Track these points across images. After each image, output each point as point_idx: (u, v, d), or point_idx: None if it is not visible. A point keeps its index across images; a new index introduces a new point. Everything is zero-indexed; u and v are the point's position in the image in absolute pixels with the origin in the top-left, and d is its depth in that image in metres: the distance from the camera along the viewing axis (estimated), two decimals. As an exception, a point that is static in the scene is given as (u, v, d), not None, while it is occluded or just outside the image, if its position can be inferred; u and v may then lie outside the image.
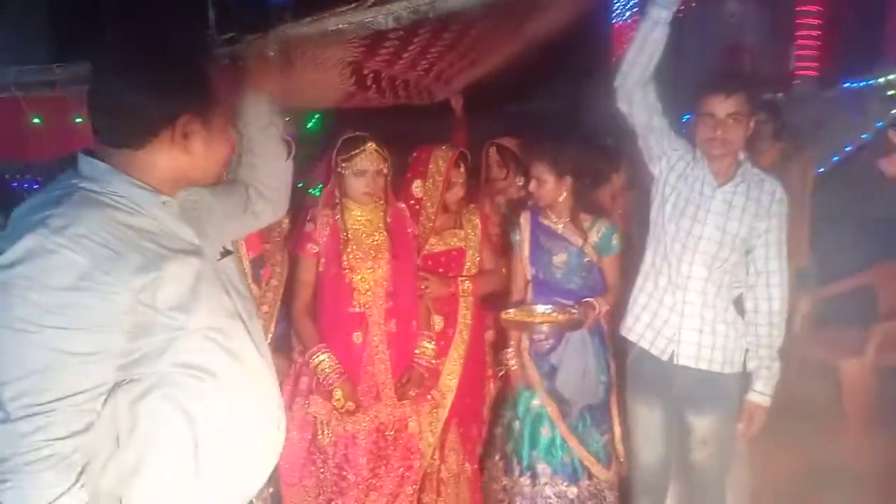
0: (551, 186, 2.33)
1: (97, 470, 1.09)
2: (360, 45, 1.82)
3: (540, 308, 2.36)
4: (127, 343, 1.06)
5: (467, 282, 2.45)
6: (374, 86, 2.55)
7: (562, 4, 2.18)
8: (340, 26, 1.41)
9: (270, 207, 1.59)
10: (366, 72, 2.52)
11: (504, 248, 2.64)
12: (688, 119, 2.19)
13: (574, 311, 2.28)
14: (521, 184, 2.70)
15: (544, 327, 2.29)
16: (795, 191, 3.58)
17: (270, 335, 2.25)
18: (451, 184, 2.46)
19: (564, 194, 2.36)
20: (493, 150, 2.78)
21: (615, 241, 2.39)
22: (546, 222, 2.43)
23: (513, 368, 2.45)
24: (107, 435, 1.09)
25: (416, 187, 2.47)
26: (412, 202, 2.46)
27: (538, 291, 2.43)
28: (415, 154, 2.53)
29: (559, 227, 2.42)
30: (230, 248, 1.34)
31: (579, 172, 2.34)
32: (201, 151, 1.17)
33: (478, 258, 2.54)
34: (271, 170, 1.56)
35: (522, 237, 2.46)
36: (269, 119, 1.52)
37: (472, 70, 2.97)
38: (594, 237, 2.38)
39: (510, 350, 2.46)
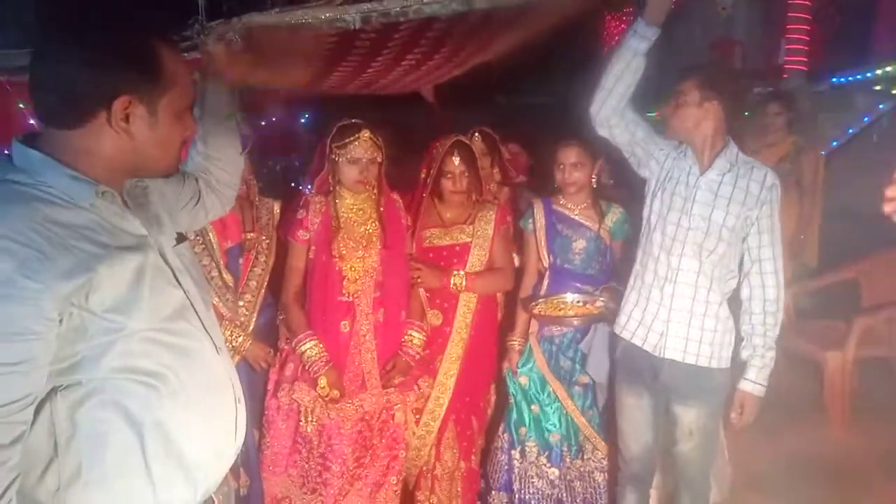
0: (587, 171, 2.37)
1: (34, 480, 1.03)
2: (332, 38, 1.80)
3: (569, 297, 2.36)
4: (60, 349, 0.99)
5: (460, 276, 2.41)
6: (345, 75, 2.52)
7: (539, 15, 2.13)
8: (306, 20, 1.38)
9: (219, 202, 1.52)
10: (338, 62, 2.49)
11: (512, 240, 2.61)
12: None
13: (601, 298, 2.30)
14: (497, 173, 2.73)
15: (576, 321, 2.29)
16: (807, 185, 3.60)
17: (252, 323, 2.26)
18: (444, 172, 2.42)
19: (595, 178, 2.40)
20: (476, 138, 2.77)
21: (628, 227, 2.43)
22: (560, 209, 2.45)
23: (515, 349, 2.46)
24: (45, 443, 1.03)
25: (423, 177, 2.48)
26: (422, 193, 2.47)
27: (556, 279, 2.44)
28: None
29: (575, 214, 2.45)
30: (184, 233, 1.29)
31: (606, 157, 2.38)
32: (145, 136, 1.08)
33: (485, 256, 2.46)
34: (224, 163, 1.50)
35: (537, 225, 2.46)
36: (227, 111, 1.47)
37: (453, 68, 2.94)
38: (609, 222, 2.43)
39: (514, 333, 2.48)
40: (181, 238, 1.24)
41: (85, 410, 1.04)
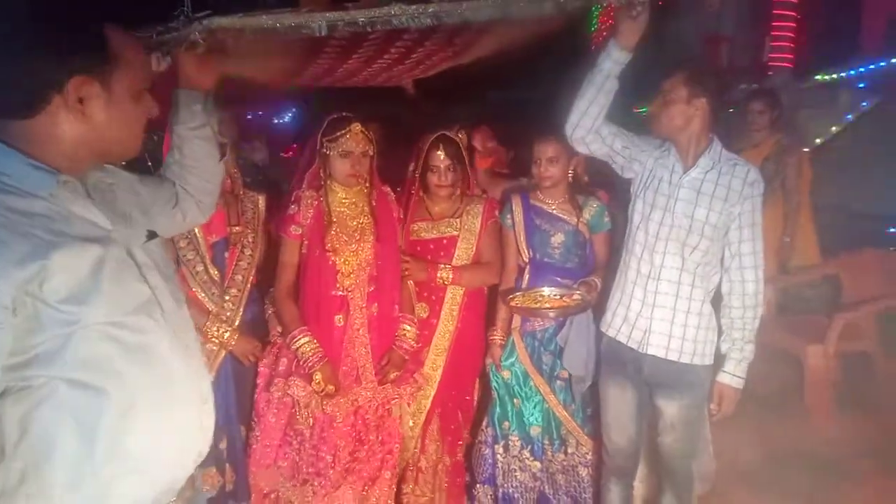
0: (563, 166, 2.38)
1: None
2: (299, 43, 1.77)
3: (546, 291, 2.36)
4: (16, 341, 0.97)
5: (447, 270, 2.43)
6: (318, 73, 2.51)
7: (514, 27, 2.10)
8: (270, 25, 1.36)
9: (197, 209, 1.49)
10: (309, 62, 2.46)
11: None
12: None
13: (578, 291, 2.31)
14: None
15: (551, 313, 2.30)
16: (791, 184, 3.61)
17: (239, 318, 2.26)
18: (429, 166, 2.43)
19: (571, 173, 2.41)
20: (461, 133, 2.76)
21: (606, 219, 2.45)
22: (538, 204, 2.47)
23: (497, 343, 2.48)
24: None
25: (411, 171, 2.49)
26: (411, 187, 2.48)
27: (536, 273, 2.45)
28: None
29: (553, 208, 2.46)
30: (155, 230, 1.28)
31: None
32: (103, 118, 1.06)
33: (472, 250, 2.48)
34: (201, 170, 1.46)
35: (516, 220, 2.47)
36: (202, 118, 1.42)
37: (428, 69, 2.92)
38: (587, 215, 2.44)
39: (496, 328, 2.49)
40: (152, 235, 1.23)
41: (35, 413, 1.01)
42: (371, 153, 2.20)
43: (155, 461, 1.13)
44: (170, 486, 1.20)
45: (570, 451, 2.46)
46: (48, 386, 1.01)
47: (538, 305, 2.33)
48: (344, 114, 2.20)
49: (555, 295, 2.35)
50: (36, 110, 1.03)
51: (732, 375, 2.03)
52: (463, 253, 2.47)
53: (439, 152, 2.41)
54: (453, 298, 2.48)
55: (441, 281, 2.43)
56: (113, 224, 1.11)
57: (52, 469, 1.03)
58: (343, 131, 2.14)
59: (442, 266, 2.43)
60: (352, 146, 2.15)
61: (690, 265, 2.02)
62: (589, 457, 2.45)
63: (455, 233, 2.47)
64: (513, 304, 2.34)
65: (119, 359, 1.06)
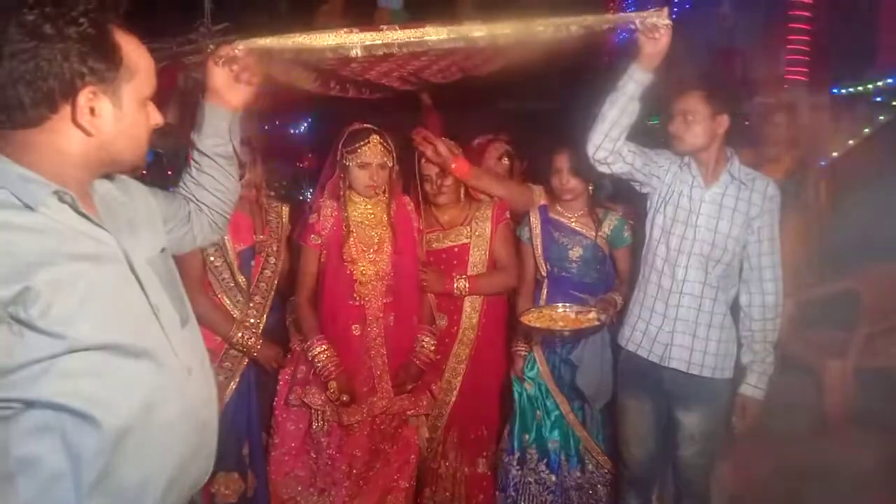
0: (583, 177, 2.34)
1: None
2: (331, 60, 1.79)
3: (560, 308, 2.32)
4: (2, 359, 0.92)
5: (463, 280, 2.42)
6: (337, 86, 2.53)
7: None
8: (308, 44, 1.37)
9: (209, 227, 1.45)
10: (332, 77, 2.49)
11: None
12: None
13: (594, 309, 2.25)
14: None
15: (565, 333, 2.23)
16: (810, 198, 3.56)
17: (262, 325, 2.27)
18: (423, 176, 2.42)
19: (591, 186, 2.38)
20: (500, 147, 2.77)
21: (627, 234, 2.40)
22: (556, 217, 2.45)
23: (520, 355, 2.45)
24: None
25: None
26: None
27: (554, 288, 2.43)
28: None
29: (572, 222, 2.43)
30: (165, 246, 1.24)
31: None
32: (112, 129, 1.03)
33: (485, 256, 2.46)
34: (218, 189, 1.42)
35: (533, 234, 2.46)
36: (225, 137, 1.38)
37: (452, 76, 2.93)
38: (606, 229, 2.40)
39: (519, 339, 2.48)
40: (161, 250, 1.19)
41: (19, 434, 0.96)
42: (390, 164, 2.22)
43: (148, 491, 1.06)
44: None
45: (589, 468, 2.43)
46: (34, 406, 0.96)
47: (552, 324, 2.29)
48: (364, 125, 2.21)
49: (570, 312, 2.31)
50: (42, 120, 0.98)
51: (755, 388, 2.04)
52: (477, 260, 2.47)
53: (424, 161, 2.40)
54: (472, 306, 2.48)
55: (458, 292, 2.42)
56: (117, 237, 1.07)
57: (34, 490, 0.97)
58: (362, 143, 2.16)
59: (458, 277, 2.42)
60: (370, 158, 2.16)
61: (713, 279, 2.02)
62: (608, 476, 2.42)
63: (466, 241, 2.47)
64: (525, 321, 2.30)
65: (110, 384, 1.00)
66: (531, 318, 2.30)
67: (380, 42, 1.39)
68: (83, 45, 0.97)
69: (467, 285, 2.43)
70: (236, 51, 1.31)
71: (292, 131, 6.20)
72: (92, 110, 1.00)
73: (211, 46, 1.34)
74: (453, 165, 2.36)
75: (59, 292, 0.95)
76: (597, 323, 2.22)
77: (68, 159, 1.02)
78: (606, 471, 2.42)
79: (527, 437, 2.45)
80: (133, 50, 1.05)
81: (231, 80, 1.34)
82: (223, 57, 1.31)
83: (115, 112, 1.03)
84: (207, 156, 1.39)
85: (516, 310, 2.49)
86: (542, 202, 2.56)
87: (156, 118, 1.12)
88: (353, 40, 1.38)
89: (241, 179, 1.51)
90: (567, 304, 2.34)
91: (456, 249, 2.48)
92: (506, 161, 2.77)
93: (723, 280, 2.04)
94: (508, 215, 2.54)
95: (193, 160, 1.40)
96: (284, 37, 1.35)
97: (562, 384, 2.42)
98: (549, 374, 2.42)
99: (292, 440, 2.25)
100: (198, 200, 1.42)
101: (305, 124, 6.35)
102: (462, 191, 2.48)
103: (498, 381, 2.59)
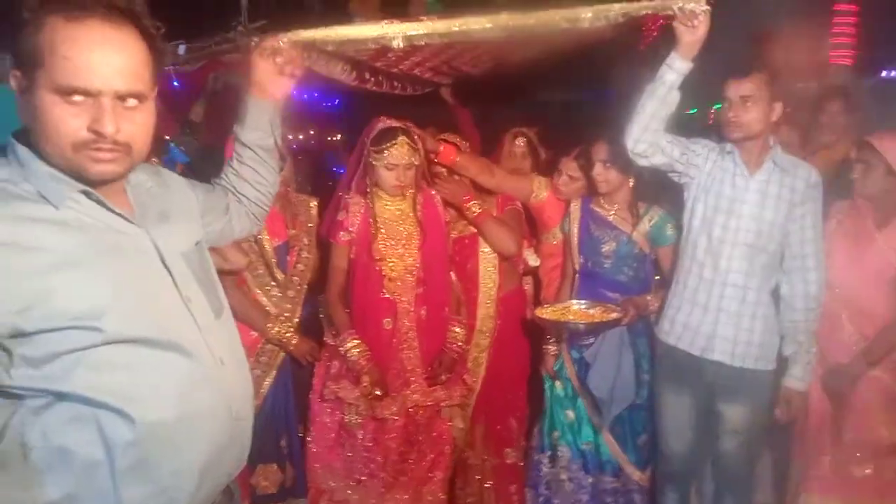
0: (620, 169, 2.27)
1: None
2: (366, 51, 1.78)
3: (575, 305, 2.29)
4: (34, 350, 0.95)
5: (477, 206, 2.38)
6: (372, 78, 2.53)
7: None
8: (351, 37, 1.38)
9: (248, 219, 1.46)
10: (366, 69, 2.49)
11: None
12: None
13: (617, 310, 2.18)
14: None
15: (580, 326, 2.19)
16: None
17: (297, 319, 2.30)
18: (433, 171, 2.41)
19: (632, 180, 2.31)
20: (521, 140, 2.76)
21: (670, 231, 2.28)
22: (598, 209, 2.39)
23: (550, 353, 2.44)
24: (16, 453, 0.98)
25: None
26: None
27: (585, 283, 2.38)
28: None
29: (610, 215, 2.37)
30: (200, 238, 1.24)
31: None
32: (27, 111, 0.98)
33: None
34: (258, 181, 1.43)
35: (572, 226, 2.42)
36: (267, 129, 1.39)
37: (480, 68, 2.92)
38: (646, 225, 2.31)
39: (551, 338, 2.45)
40: (194, 243, 1.19)
41: (54, 425, 0.98)
42: (416, 163, 2.21)
43: (184, 478, 1.07)
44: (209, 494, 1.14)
45: (623, 475, 2.34)
46: (66, 402, 0.98)
47: (562, 317, 2.24)
48: (392, 124, 2.20)
49: (583, 308, 2.25)
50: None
51: (800, 380, 1.99)
52: (487, 247, 2.48)
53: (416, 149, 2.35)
54: (487, 296, 2.49)
55: (468, 212, 2.39)
56: (148, 229, 1.08)
57: (69, 480, 0.99)
58: (389, 144, 2.15)
59: (473, 202, 2.39)
60: (398, 159, 2.16)
61: (757, 269, 1.98)
62: (644, 484, 2.34)
63: (473, 230, 2.48)
64: (539, 315, 2.25)
65: (141, 376, 1.01)
66: (544, 312, 2.27)
67: (422, 32, 1.39)
68: (14, 27, 0.96)
69: (479, 211, 2.39)
70: (281, 43, 1.32)
71: (324, 104, 6.18)
72: (22, 91, 0.99)
73: (255, 40, 1.35)
74: (440, 151, 2.35)
75: (87, 286, 0.97)
76: (609, 318, 2.15)
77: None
78: (639, 478, 2.33)
79: (556, 434, 2.41)
80: (58, 34, 0.95)
81: (274, 73, 1.35)
82: (268, 49, 1.32)
83: (28, 94, 0.97)
84: (249, 148, 1.40)
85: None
86: (546, 193, 2.54)
87: (98, 122, 0.97)
88: (395, 30, 1.38)
89: (280, 172, 1.52)
90: (584, 301, 2.28)
91: (466, 240, 2.51)
92: (523, 151, 2.74)
93: (766, 270, 2.00)
94: (519, 204, 2.53)
95: (235, 152, 1.42)
96: (328, 29, 1.37)
97: (585, 384, 2.37)
98: (574, 373, 2.38)
99: (328, 433, 2.28)
100: (238, 192, 1.43)
101: (332, 104, 6.32)
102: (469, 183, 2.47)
103: (523, 373, 2.59)
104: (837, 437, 2.16)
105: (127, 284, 1.01)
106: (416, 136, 2.21)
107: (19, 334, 0.94)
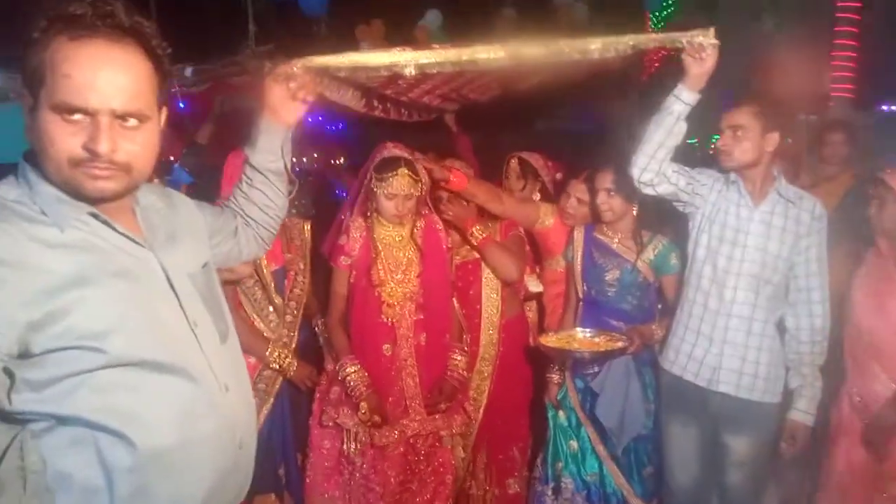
0: (624, 198, 2.27)
1: None
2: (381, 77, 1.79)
3: (580, 333, 2.26)
4: (36, 373, 0.93)
5: (481, 231, 2.38)
6: (380, 105, 2.55)
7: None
8: (364, 63, 1.38)
9: (255, 242, 1.46)
10: (375, 96, 2.51)
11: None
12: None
13: (622, 339, 2.15)
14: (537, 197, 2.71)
15: (585, 355, 2.16)
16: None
17: (294, 344, 2.28)
18: (436, 198, 2.40)
19: (636, 208, 2.31)
20: (513, 162, 2.78)
21: (674, 260, 2.27)
22: (601, 237, 2.38)
23: (554, 381, 2.40)
24: (14, 477, 0.96)
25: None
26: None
27: (589, 311, 2.36)
28: None
29: (614, 243, 2.35)
30: (208, 260, 1.23)
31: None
32: (31, 131, 0.98)
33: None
34: (267, 205, 1.43)
35: (576, 253, 2.40)
36: (278, 153, 1.39)
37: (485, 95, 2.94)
38: (650, 254, 2.30)
39: (555, 366, 2.41)
40: (202, 265, 1.18)
41: (55, 449, 0.97)
42: (416, 193, 2.21)
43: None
44: None
45: None
46: (67, 425, 0.97)
47: (566, 345, 2.21)
48: (395, 153, 2.20)
49: (588, 336, 2.22)
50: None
51: (805, 413, 1.97)
52: (489, 273, 2.47)
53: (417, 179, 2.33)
54: (490, 322, 2.47)
55: (472, 237, 2.38)
56: (155, 251, 1.07)
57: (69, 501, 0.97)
58: (390, 174, 2.15)
59: (477, 227, 2.38)
60: (398, 189, 2.16)
61: (762, 300, 1.97)
62: None
63: (476, 255, 2.47)
64: (544, 342, 2.22)
65: (144, 400, 1.00)
66: (549, 340, 2.24)
67: (434, 60, 1.40)
68: (23, 45, 0.97)
69: (483, 237, 2.38)
70: (294, 69, 1.32)
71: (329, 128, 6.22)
72: (30, 113, 0.99)
73: (268, 64, 1.35)
74: (452, 179, 2.35)
75: (93, 307, 0.96)
76: (615, 347, 2.13)
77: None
78: None
79: (560, 465, 2.36)
80: (61, 53, 0.95)
81: (287, 98, 1.35)
82: (282, 74, 1.33)
83: (33, 114, 0.97)
84: (259, 171, 1.40)
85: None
86: (552, 220, 2.54)
87: (93, 139, 0.96)
88: (407, 58, 1.38)
89: (289, 196, 1.51)
90: (589, 330, 2.25)
91: (469, 265, 2.50)
92: (517, 173, 2.76)
93: (771, 301, 1.98)
94: (522, 230, 2.53)
95: (245, 175, 1.42)
96: (341, 55, 1.37)
97: (592, 414, 2.32)
98: (577, 402, 2.34)
99: (327, 460, 2.24)
100: (246, 215, 1.43)
101: (335, 128, 6.36)
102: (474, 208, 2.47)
103: (526, 401, 2.56)
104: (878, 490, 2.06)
105: (133, 306, 1.01)
106: (419, 167, 2.21)
107: (26, 355, 0.93)
